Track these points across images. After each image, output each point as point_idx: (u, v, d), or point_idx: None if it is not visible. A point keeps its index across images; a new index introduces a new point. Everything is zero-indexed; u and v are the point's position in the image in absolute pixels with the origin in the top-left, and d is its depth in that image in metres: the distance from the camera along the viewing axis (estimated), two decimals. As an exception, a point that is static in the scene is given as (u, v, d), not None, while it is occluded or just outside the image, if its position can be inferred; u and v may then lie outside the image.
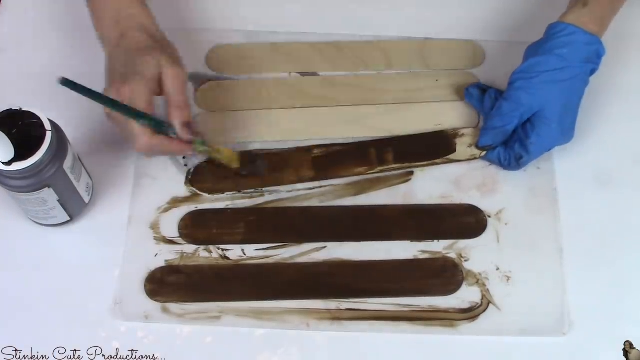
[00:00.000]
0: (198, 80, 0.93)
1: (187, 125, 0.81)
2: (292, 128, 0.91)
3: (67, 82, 0.78)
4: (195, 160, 0.88)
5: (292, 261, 0.84)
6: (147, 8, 0.85)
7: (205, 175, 0.88)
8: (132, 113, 0.78)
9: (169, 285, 0.83)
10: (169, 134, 0.80)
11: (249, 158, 0.87)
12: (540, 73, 0.83)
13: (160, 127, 0.80)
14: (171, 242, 0.85)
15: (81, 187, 0.83)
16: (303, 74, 0.93)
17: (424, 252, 0.84)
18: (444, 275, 0.83)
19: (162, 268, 0.83)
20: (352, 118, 0.91)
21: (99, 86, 0.91)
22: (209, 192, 0.87)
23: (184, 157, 0.88)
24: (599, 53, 0.84)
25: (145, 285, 0.82)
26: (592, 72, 0.85)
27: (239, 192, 0.87)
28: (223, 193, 0.87)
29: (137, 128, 0.79)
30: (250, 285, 0.83)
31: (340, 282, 0.83)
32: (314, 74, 0.94)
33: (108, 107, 0.79)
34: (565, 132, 0.85)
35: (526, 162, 0.86)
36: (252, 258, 0.84)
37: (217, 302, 0.82)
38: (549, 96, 0.83)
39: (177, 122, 0.80)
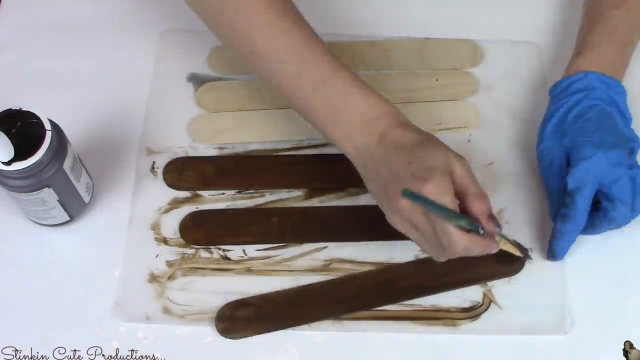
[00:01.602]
0: (199, 80, 0.93)
1: (491, 217, 0.74)
2: (291, 128, 0.91)
3: (410, 194, 0.69)
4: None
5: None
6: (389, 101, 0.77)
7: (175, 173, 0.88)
8: (452, 215, 0.70)
9: (238, 320, 0.81)
10: (478, 230, 0.72)
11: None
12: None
13: (473, 225, 0.72)
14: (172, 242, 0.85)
15: (81, 187, 0.83)
16: (303, 74, 0.93)
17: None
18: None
19: (229, 304, 0.81)
20: (352, 118, 0.91)
21: (96, 86, 0.92)
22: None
23: None
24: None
25: (216, 326, 0.80)
26: None
27: (239, 192, 0.87)
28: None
29: (453, 230, 0.71)
30: (326, 304, 0.81)
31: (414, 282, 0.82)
32: (314, 74, 0.94)
33: (440, 214, 0.70)
34: None
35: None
36: (253, 258, 0.84)
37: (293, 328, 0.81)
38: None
39: (483, 217, 0.73)
